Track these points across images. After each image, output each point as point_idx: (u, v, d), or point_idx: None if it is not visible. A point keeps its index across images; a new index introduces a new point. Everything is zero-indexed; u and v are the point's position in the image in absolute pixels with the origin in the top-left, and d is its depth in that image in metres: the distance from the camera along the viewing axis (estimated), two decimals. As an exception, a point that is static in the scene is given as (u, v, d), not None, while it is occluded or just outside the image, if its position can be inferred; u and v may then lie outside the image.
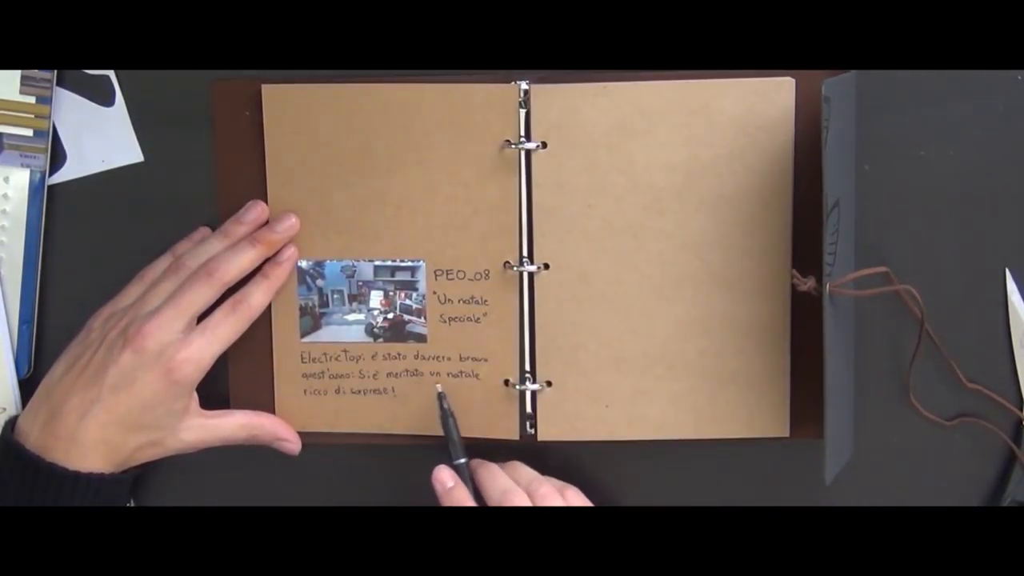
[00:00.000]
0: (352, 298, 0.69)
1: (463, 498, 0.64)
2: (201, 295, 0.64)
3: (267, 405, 0.69)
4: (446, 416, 0.67)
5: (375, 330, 0.69)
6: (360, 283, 0.68)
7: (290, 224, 0.67)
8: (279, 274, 0.67)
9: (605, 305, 0.67)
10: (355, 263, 0.68)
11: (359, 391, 0.69)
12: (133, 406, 0.63)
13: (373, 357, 0.69)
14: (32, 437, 0.64)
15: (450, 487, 0.64)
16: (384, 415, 0.69)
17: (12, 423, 0.65)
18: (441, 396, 0.67)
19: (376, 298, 0.68)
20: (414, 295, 0.68)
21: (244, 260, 0.66)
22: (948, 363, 0.68)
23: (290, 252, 0.67)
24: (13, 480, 0.63)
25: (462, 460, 0.66)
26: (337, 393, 0.69)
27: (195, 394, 0.65)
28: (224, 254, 0.65)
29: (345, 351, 0.69)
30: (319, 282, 0.68)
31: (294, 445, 0.69)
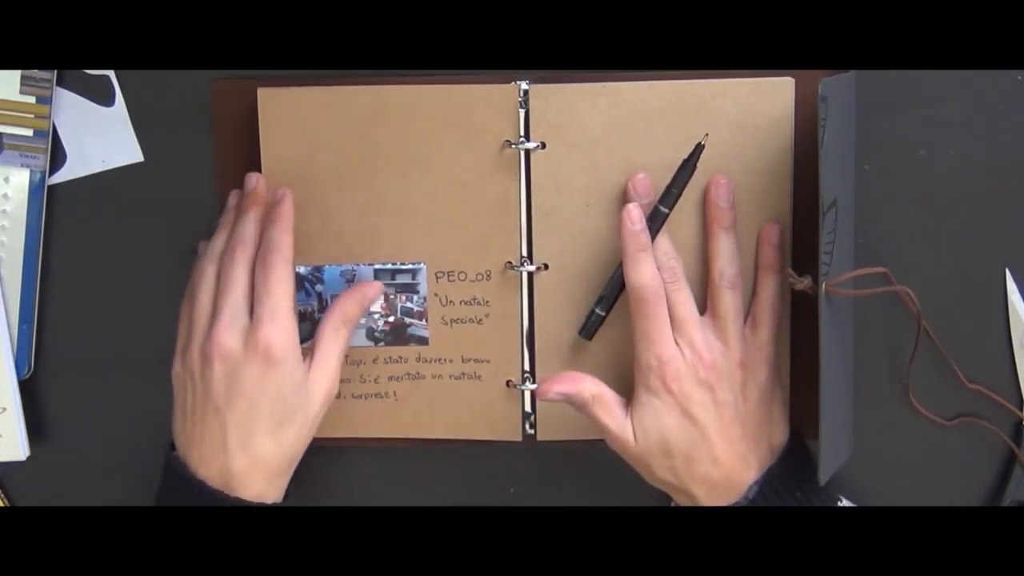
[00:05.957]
0: (352, 301, 0.68)
1: (645, 242, 0.63)
2: (239, 275, 0.63)
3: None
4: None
5: (376, 334, 0.68)
6: (360, 286, 0.68)
7: (256, 177, 0.65)
8: (283, 211, 0.64)
9: (605, 305, 0.67)
10: (355, 267, 0.68)
11: (360, 395, 0.69)
12: (256, 407, 0.61)
13: (374, 361, 0.69)
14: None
15: (639, 229, 0.63)
16: (385, 419, 0.69)
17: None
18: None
19: (376, 302, 0.68)
20: (415, 298, 0.68)
21: (249, 223, 0.64)
22: (948, 363, 0.67)
23: (282, 191, 0.65)
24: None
25: None
26: (338, 398, 0.68)
27: (301, 360, 0.63)
28: (233, 232, 0.64)
29: (346, 356, 0.68)
30: (318, 287, 0.68)
31: (374, 289, 0.66)
